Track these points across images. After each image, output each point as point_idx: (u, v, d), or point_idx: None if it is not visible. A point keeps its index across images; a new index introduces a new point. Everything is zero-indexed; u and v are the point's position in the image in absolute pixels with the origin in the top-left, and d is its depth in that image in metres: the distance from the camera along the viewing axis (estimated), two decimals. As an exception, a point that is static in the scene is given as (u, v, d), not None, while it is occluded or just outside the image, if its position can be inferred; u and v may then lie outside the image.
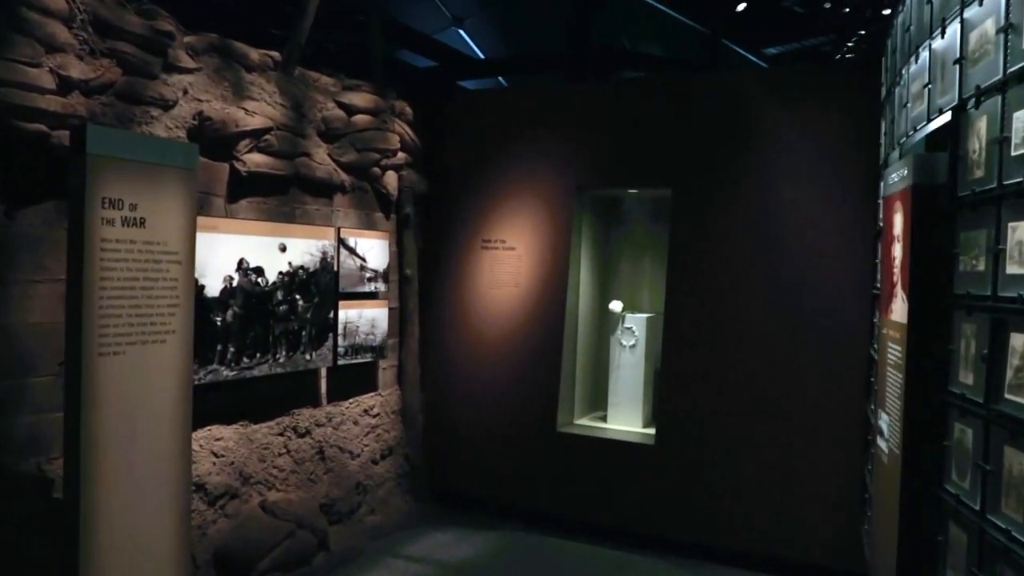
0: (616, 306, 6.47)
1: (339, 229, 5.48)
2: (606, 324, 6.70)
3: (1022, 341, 2.28)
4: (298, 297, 5.12)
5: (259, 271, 4.82)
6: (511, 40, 11.62)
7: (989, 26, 2.54)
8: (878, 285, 4.35)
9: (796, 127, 5.34)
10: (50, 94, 3.66)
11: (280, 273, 4.97)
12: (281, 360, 5.00)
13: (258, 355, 4.82)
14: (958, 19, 2.81)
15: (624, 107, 5.96)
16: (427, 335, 6.48)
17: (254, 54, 4.95)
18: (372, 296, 5.84)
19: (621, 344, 6.41)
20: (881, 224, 4.07)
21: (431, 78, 9.81)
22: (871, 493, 4.10)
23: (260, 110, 4.85)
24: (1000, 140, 2.43)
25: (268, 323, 4.89)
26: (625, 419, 6.35)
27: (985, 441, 2.45)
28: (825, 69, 6.48)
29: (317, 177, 5.31)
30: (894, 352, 3.31)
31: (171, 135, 4.35)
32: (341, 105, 5.58)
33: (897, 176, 3.38)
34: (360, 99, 5.72)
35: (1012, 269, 2.33)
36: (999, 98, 2.46)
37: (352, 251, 5.59)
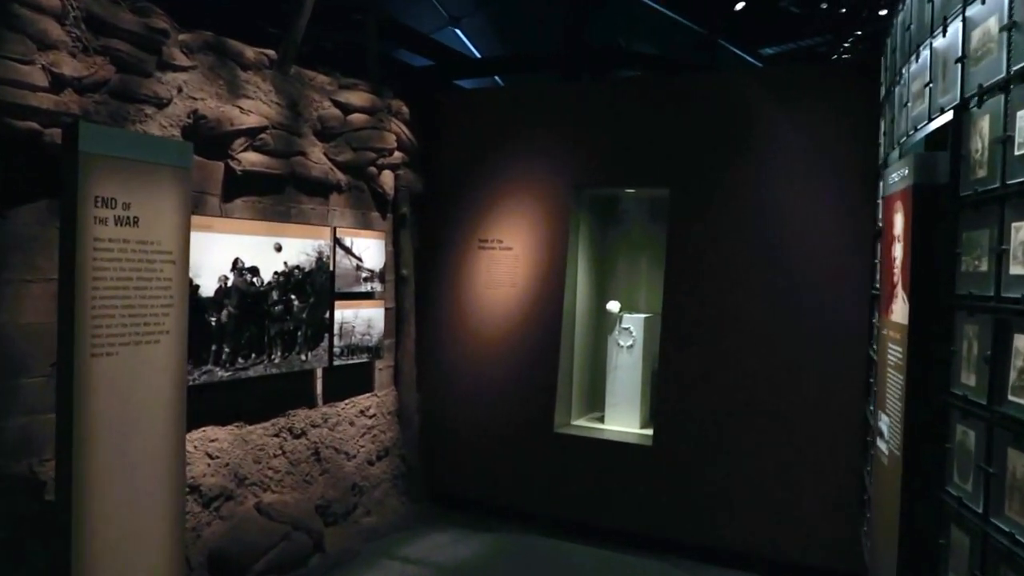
0: (614, 306, 6.45)
1: (335, 229, 5.45)
2: (603, 324, 6.68)
3: (1026, 342, 2.26)
4: (294, 297, 5.08)
5: (254, 271, 4.78)
6: (507, 40, 11.60)
7: (992, 24, 2.52)
8: (877, 285, 4.33)
9: (794, 127, 5.32)
10: (42, 92, 3.61)
11: (275, 273, 4.94)
12: (276, 360, 4.97)
13: (253, 355, 4.79)
14: (960, 17, 2.79)
15: (622, 106, 5.94)
16: (424, 335, 6.45)
17: (250, 52, 4.91)
18: (368, 296, 5.80)
19: (619, 344, 6.38)
20: (880, 224, 4.05)
21: (428, 77, 9.78)
22: (870, 494, 4.08)
23: (255, 108, 4.81)
24: (1003, 139, 2.40)
25: (263, 323, 4.85)
26: (623, 420, 6.33)
27: (988, 443, 2.43)
28: (823, 69, 6.46)
29: (313, 176, 5.27)
30: (894, 353, 3.29)
31: (165, 133, 4.31)
32: (337, 104, 5.55)
33: (897, 176, 3.36)
34: (356, 98, 5.69)
35: (1016, 270, 2.31)
36: (1002, 97, 2.44)
37: (348, 251, 5.55)
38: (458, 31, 11.28)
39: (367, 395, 5.97)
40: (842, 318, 5.05)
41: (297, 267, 5.10)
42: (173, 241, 3.61)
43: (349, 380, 5.76)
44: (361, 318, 5.69)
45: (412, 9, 10.21)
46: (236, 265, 4.65)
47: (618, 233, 7.03)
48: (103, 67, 3.95)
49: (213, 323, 4.51)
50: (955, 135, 2.79)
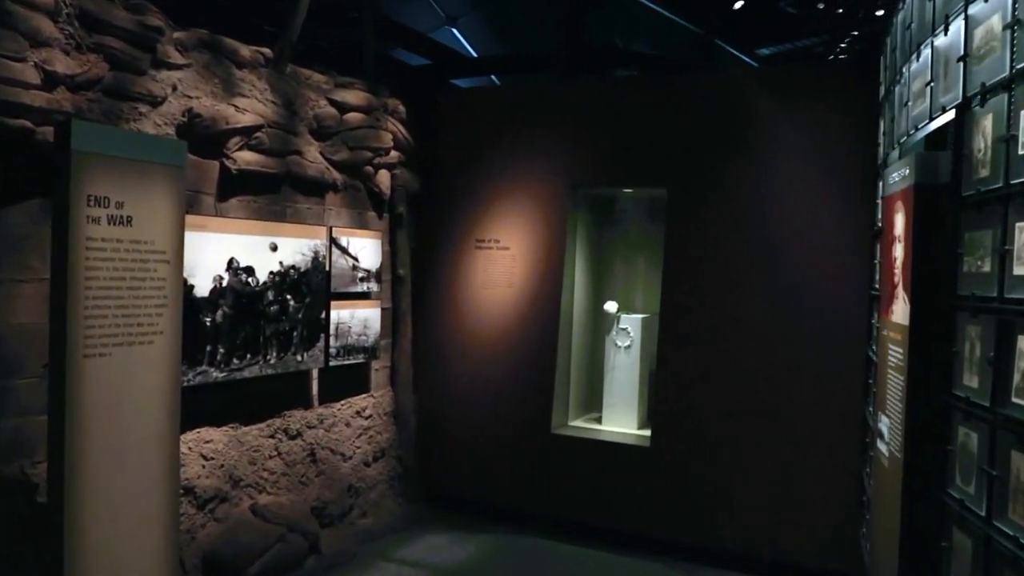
0: (611, 307, 6.42)
1: (331, 228, 5.41)
2: (601, 325, 6.65)
3: (1030, 344, 2.23)
4: (289, 297, 5.05)
5: (249, 271, 4.75)
6: (504, 39, 11.58)
7: (995, 22, 2.49)
8: (876, 286, 4.31)
9: (793, 127, 5.30)
10: (35, 89, 3.58)
11: (271, 273, 4.90)
12: (272, 361, 4.93)
13: (248, 356, 4.75)
14: (962, 16, 2.76)
15: (620, 106, 5.91)
16: (420, 336, 6.42)
17: (245, 50, 4.88)
18: (364, 296, 5.77)
19: (616, 345, 6.36)
20: (880, 224, 4.03)
21: (424, 76, 9.74)
22: (870, 495, 4.06)
23: (251, 107, 4.77)
24: (1007, 138, 2.38)
25: (259, 323, 4.82)
26: (620, 421, 6.30)
27: (991, 445, 2.40)
28: (822, 68, 6.44)
29: (309, 176, 5.24)
30: (895, 354, 3.27)
31: (160, 132, 4.27)
32: (333, 103, 5.51)
33: (898, 175, 3.34)
34: (353, 97, 5.65)
35: (1020, 270, 2.28)
36: (1005, 96, 2.41)
37: (344, 251, 5.52)
38: (455, 31, 11.25)
39: (363, 396, 5.94)
40: (841, 318, 5.03)
41: (293, 267, 5.06)
42: (167, 241, 3.57)
43: (345, 381, 5.72)
44: (357, 318, 5.66)
45: (408, 8, 10.18)
46: (231, 265, 4.62)
47: (616, 233, 7.00)
48: (96, 65, 3.91)
49: (208, 323, 4.48)
50: (957, 134, 2.77)
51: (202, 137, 4.47)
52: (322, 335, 5.33)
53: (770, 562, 5.15)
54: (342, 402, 5.70)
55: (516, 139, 6.24)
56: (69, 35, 3.78)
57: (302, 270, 5.14)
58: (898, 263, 3.27)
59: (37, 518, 3.57)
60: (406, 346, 6.28)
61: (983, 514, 2.43)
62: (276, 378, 5.02)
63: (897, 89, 3.83)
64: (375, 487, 5.87)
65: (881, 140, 4.55)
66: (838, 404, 5.01)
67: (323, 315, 5.34)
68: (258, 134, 4.80)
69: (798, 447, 5.11)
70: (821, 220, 5.17)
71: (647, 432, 5.89)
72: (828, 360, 5.06)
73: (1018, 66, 2.35)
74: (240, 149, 4.72)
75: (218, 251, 4.52)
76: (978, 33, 2.63)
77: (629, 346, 6.31)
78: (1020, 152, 2.31)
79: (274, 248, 4.92)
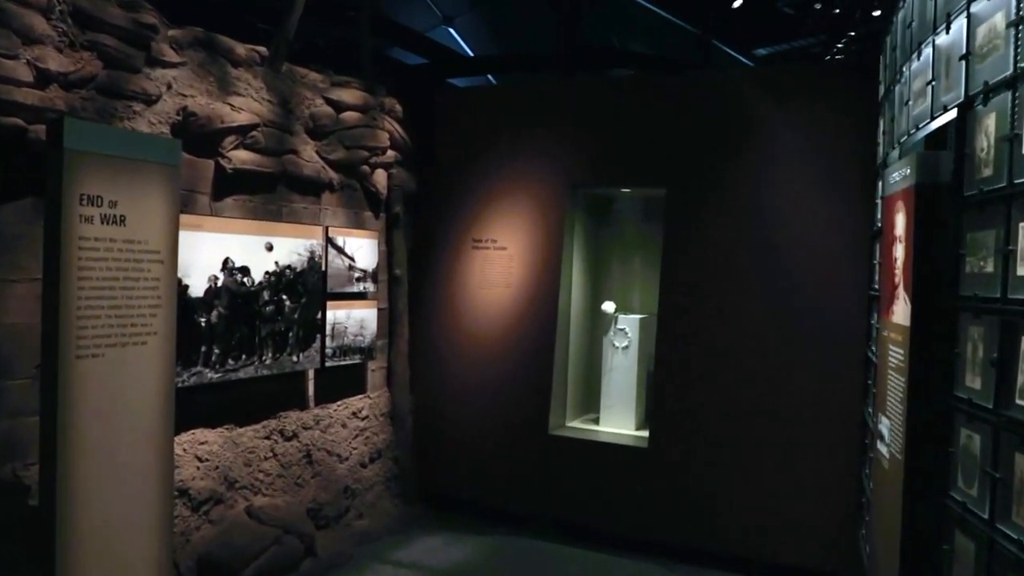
0: (609, 307, 6.40)
1: (327, 228, 5.38)
2: (598, 325, 6.63)
3: (1034, 345, 2.21)
4: (285, 297, 5.01)
5: (245, 271, 4.71)
6: (501, 39, 11.55)
7: (999, 20, 2.47)
8: (876, 286, 4.29)
9: (792, 126, 5.28)
10: (27, 87, 3.54)
11: (266, 273, 4.87)
12: (267, 362, 4.89)
13: (244, 357, 4.71)
14: (964, 14, 2.74)
15: (618, 105, 5.89)
16: (417, 336, 6.38)
17: (240, 49, 4.84)
18: (361, 296, 5.74)
19: (614, 345, 6.33)
20: (879, 224, 4.01)
21: (421, 75, 9.71)
22: (870, 498, 4.04)
23: (246, 106, 4.74)
24: (1010, 138, 2.36)
25: (254, 324, 4.78)
26: (618, 422, 6.28)
27: (994, 448, 2.38)
28: (821, 68, 6.43)
29: (305, 175, 5.20)
30: (895, 355, 3.24)
31: (154, 131, 4.23)
32: (329, 102, 5.48)
33: (899, 175, 3.32)
34: (349, 96, 5.62)
35: (1023, 271, 2.26)
36: (1009, 94, 2.39)
37: (340, 250, 5.49)
38: (451, 30, 11.22)
39: (359, 396, 5.90)
40: (840, 318, 5.01)
41: (288, 267, 5.03)
42: (161, 240, 3.53)
43: (341, 381, 5.69)
44: (353, 319, 5.62)
45: (405, 8, 10.14)
46: (226, 265, 4.58)
47: (613, 233, 6.98)
48: (90, 62, 3.87)
49: (203, 324, 4.44)
50: (959, 134, 2.75)
51: (197, 136, 4.44)
52: (318, 335, 5.30)
53: (768, 564, 5.13)
54: (338, 403, 5.67)
55: (513, 139, 6.21)
56: (62, 32, 3.74)
57: (298, 270, 5.10)
58: (899, 263, 3.25)
59: (29, 520, 3.53)
60: (403, 347, 6.25)
61: (986, 517, 2.40)
62: (272, 379, 4.98)
63: (897, 88, 3.81)
64: (371, 488, 5.83)
65: (881, 140, 4.53)
66: (837, 405, 4.99)
67: (319, 315, 5.30)
68: (253, 133, 4.76)
69: (797, 448, 5.09)
70: (820, 220, 5.15)
71: (645, 433, 5.86)
72: (827, 360, 5.04)
73: (1022, 64, 2.32)
74: (235, 148, 4.69)
75: (213, 251, 4.49)
76: (981, 31, 2.61)
77: (627, 347, 6.28)
78: (1024, 151, 2.29)
79: (270, 248, 4.88)
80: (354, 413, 5.79)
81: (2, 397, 3.58)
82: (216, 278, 4.52)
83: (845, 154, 5.07)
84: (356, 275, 5.66)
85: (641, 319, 6.31)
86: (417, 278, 6.40)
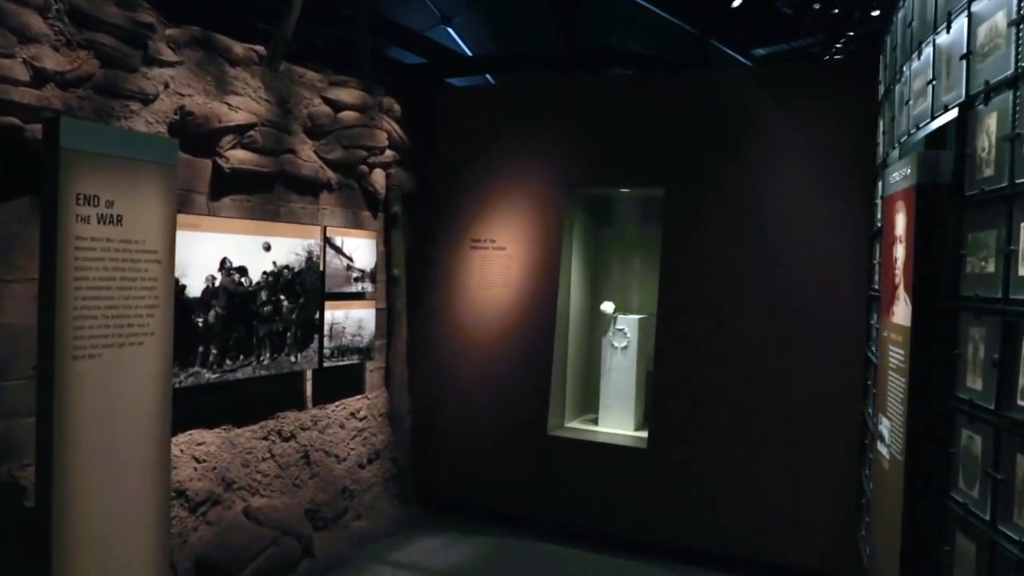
0: (608, 307, 6.39)
1: (325, 228, 5.36)
2: (597, 325, 6.61)
3: (1036, 345, 2.20)
4: (283, 297, 4.99)
5: (243, 271, 4.69)
6: (499, 38, 11.53)
7: (1000, 19, 2.46)
8: (876, 286, 4.28)
9: (791, 126, 5.27)
10: (23, 86, 3.52)
11: (264, 273, 4.85)
12: (265, 362, 4.88)
13: (241, 357, 4.70)
14: (965, 13, 2.73)
15: (617, 105, 5.88)
16: (415, 336, 6.36)
17: (238, 48, 4.82)
18: (359, 297, 5.72)
19: (613, 346, 6.32)
20: (879, 224, 4.00)
21: (419, 75, 9.69)
22: (870, 498, 4.03)
23: (244, 105, 4.72)
24: (1012, 137, 2.35)
25: (252, 324, 4.76)
26: (617, 422, 6.26)
27: (996, 449, 2.37)
28: (820, 68, 6.42)
29: (303, 175, 5.18)
30: (896, 355, 3.23)
31: (151, 130, 4.22)
32: (328, 101, 5.46)
33: (899, 175, 3.31)
34: (347, 95, 5.60)
35: (1025, 271, 2.25)
36: (1010, 94, 2.38)
37: (338, 250, 5.47)
38: (449, 30, 11.20)
39: (358, 397, 5.88)
40: (840, 319, 5.00)
41: (286, 267, 5.01)
42: (158, 240, 3.51)
43: (339, 382, 5.67)
44: (352, 319, 5.61)
45: (403, 7, 10.12)
46: (224, 265, 4.56)
47: (612, 233, 6.96)
48: (87, 61, 3.85)
49: (200, 324, 4.42)
50: (959, 133, 2.74)
51: (194, 135, 4.42)
52: (316, 336, 5.28)
53: (768, 564, 5.12)
54: (336, 403, 5.65)
55: (512, 138, 6.20)
56: (59, 31, 3.72)
57: (296, 270, 5.09)
58: (899, 263, 3.24)
59: (25, 522, 3.51)
60: (401, 347, 6.23)
61: (987, 518, 2.39)
62: (269, 379, 4.97)
63: (897, 88, 3.80)
64: (370, 489, 5.81)
65: (880, 139, 4.52)
66: (837, 405, 4.98)
67: (317, 316, 5.29)
68: (251, 132, 4.74)
69: (796, 448, 5.08)
70: (819, 220, 5.14)
71: (644, 434, 5.85)
72: (826, 361, 5.03)
73: (1023, 64, 2.31)
74: (233, 148, 4.67)
75: (211, 251, 4.47)
76: (982, 30, 2.60)
77: (626, 347, 6.27)
78: (1026, 151, 2.28)
79: (267, 248, 4.86)
80: (352, 414, 5.77)
81: (-2, 398, 3.56)
82: (214, 278, 4.50)
83: (845, 154, 5.06)
84: (354, 275, 5.64)
85: (640, 319, 6.30)
86: (415, 278, 6.39)
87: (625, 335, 6.28)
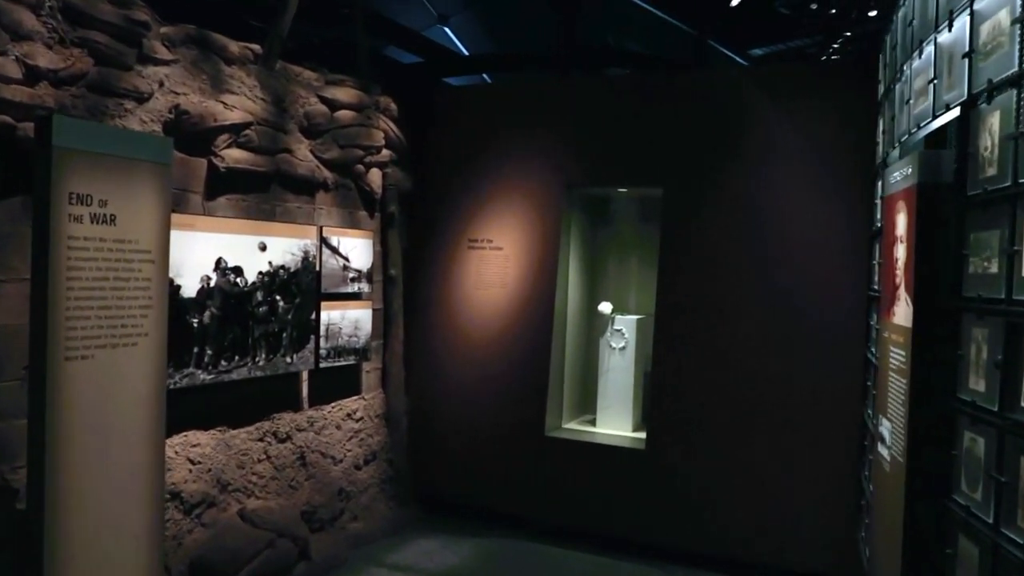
0: (606, 308, 6.36)
1: (321, 228, 5.33)
2: (595, 326, 6.59)
3: (1040, 347, 2.17)
4: (279, 298, 4.96)
5: (238, 271, 4.66)
6: (496, 38, 11.50)
7: (1003, 17, 2.43)
8: (875, 287, 4.26)
9: (790, 126, 5.25)
10: (16, 84, 3.48)
11: (260, 273, 4.81)
12: (261, 363, 4.84)
13: (237, 358, 4.66)
14: (967, 11, 2.70)
15: (615, 104, 5.85)
16: (412, 337, 6.33)
17: (234, 46, 4.79)
18: (355, 297, 5.68)
19: (611, 346, 6.30)
20: (879, 224, 3.98)
21: (416, 74, 9.66)
22: (870, 500, 4.00)
23: (240, 104, 4.68)
24: (1015, 136, 2.32)
25: (247, 324, 4.73)
26: (615, 423, 6.24)
27: (999, 451, 2.34)
28: (819, 68, 6.41)
29: (299, 174, 5.15)
30: (897, 356, 3.21)
31: (146, 129, 4.18)
32: (324, 100, 5.43)
33: (900, 175, 3.28)
34: (343, 94, 5.57)
35: (1029, 271, 2.22)
36: (1014, 92, 2.35)
37: (335, 250, 5.43)
38: (446, 30, 11.17)
39: (354, 398, 5.85)
40: (839, 319, 4.98)
41: (282, 267, 4.97)
42: (152, 240, 3.48)
43: (335, 383, 5.64)
44: (348, 319, 5.57)
45: (400, 7, 10.08)
46: (219, 265, 4.53)
47: (610, 233, 6.94)
48: (80, 59, 3.81)
49: (195, 324, 4.39)
50: (962, 132, 2.71)
51: (189, 134, 4.38)
52: (312, 336, 5.25)
53: (767, 566, 5.10)
54: (332, 404, 5.61)
55: (509, 138, 6.17)
56: (52, 29, 3.68)
57: (292, 270, 5.05)
58: (900, 264, 3.21)
59: (17, 524, 3.47)
60: (398, 347, 6.20)
61: (990, 521, 2.37)
62: (265, 380, 4.93)
63: (898, 87, 3.77)
64: (366, 491, 5.78)
65: (880, 139, 4.50)
66: (836, 406, 4.96)
67: (313, 316, 5.25)
68: (247, 132, 4.71)
69: (795, 449, 5.06)
70: (818, 220, 5.12)
71: (642, 435, 5.83)
72: (826, 361, 5.01)
73: (1027, 62, 2.29)
74: (228, 147, 4.63)
75: (206, 250, 4.43)
76: (984, 28, 2.58)
77: (624, 347, 6.25)
78: (1029, 150, 2.25)
79: (263, 248, 4.83)
80: (348, 415, 5.74)
81: (-10, 399, 3.52)
82: (209, 278, 4.47)
83: (844, 154, 5.04)
84: (351, 275, 5.61)
85: (638, 320, 6.28)
86: (412, 278, 6.35)
87: (623, 335, 6.25)
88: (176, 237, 3.92)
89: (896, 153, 3.74)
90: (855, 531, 4.71)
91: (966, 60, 2.69)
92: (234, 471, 4.73)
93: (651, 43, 11.21)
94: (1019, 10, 2.33)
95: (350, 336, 5.60)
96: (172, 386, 4.11)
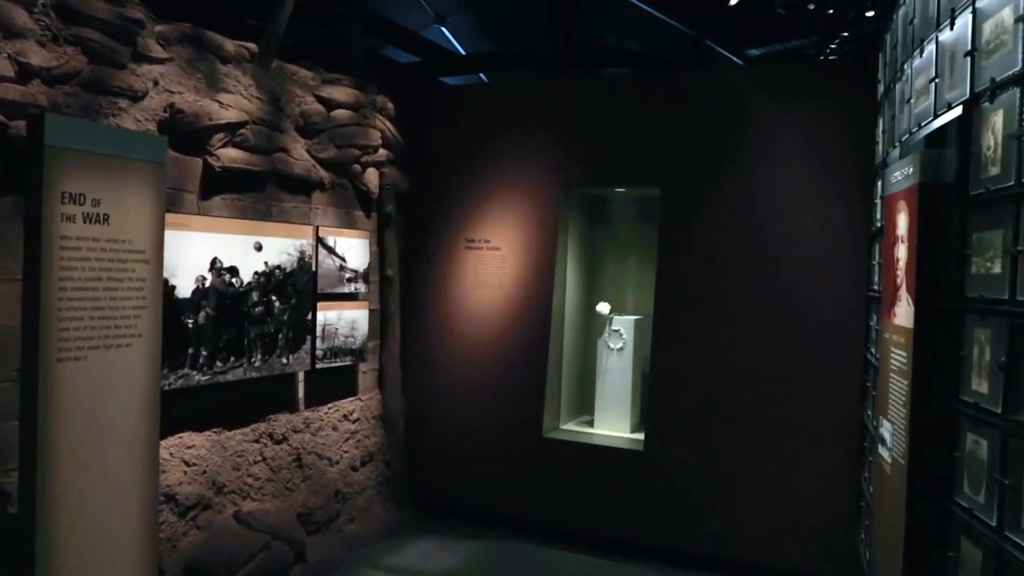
0: (604, 308, 6.33)
1: (317, 228, 5.29)
2: (593, 326, 6.56)
3: (1045, 348, 2.15)
4: (274, 298, 4.92)
5: (233, 271, 4.62)
6: (493, 38, 11.47)
7: (1006, 15, 2.41)
8: (875, 287, 4.24)
9: (789, 126, 5.23)
10: (8, 82, 3.44)
11: (255, 273, 4.78)
12: (256, 364, 4.80)
13: (232, 359, 4.62)
14: (970, 9, 2.68)
15: (613, 104, 5.83)
16: (409, 338, 6.30)
17: (229, 45, 4.75)
18: (352, 297, 5.65)
19: (608, 347, 6.27)
20: (879, 224, 3.96)
21: (413, 73, 9.63)
22: (870, 502, 3.98)
23: (235, 103, 4.65)
24: (1019, 135, 2.30)
25: (243, 325, 4.69)
26: (613, 424, 6.21)
27: (1003, 453, 2.32)
28: (818, 67, 6.39)
29: (295, 173, 5.11)
30: (898, 357, 3.19)
31: (140, 128, 4.14)
32: (320, 99, 5.39)
33: (901, 174, 3.26)
34: (340, 93, 5.53)
35: (1033, 272, 2.20)
36: (1017, 91, 2.33)
37: (331, 251, 5.40)
38: (444, 29, 11.14)
39: (350, 399, 5.81)
40: (839, 319, 4.96)
41: (278, 267, 4.94)
42: (146, 240, 3.44)
43: (332, 384, 5.60)
44: (344, 320, 5.54)
45: (397, 7, 10.05)
46: (214, 265, 4.49)
47: (608, 233, 6.91)
48: (74, 57, 3.77)
49: (190, 325, 4.35)
50: (964, 132, 2.69)
51: (184, 133, 4.35)
52: (308, 337, 5.21)
53: (766, 568, 5.07)
54: (329, 405, 5.58)
55: (507, 137, 6.14)
56: (45, 26, 3.64)
57: (288, 270, 5.02)
58: (901, 264, 3.19)
59: (9, 528, 3.43)
60: (394, 348, 6.16)
61: (994, 524, 2.35)
62: (261, 381, 4.89)
63: (898, 86, 3.75)
64: (363, 492, 5.74)
65: (880, 139, 4.48)
66: (835, 407, 4.94)
67: (309, 316, 5.22)
68: (242, 131, 4.67)
69: (794, 451, 5.04)
70: (817, 219, 5.10)
71: (640, 436, 5.80)
72: (825, 362, 4.99)
73: (1031, 60, 2.27)
74: (224, 146, 4.59)
75: (201, 251, 4.40)
76: (987, 27, 2.55)
77: (622, 348, 6.22)
78: (1033, 149, 2.23)
79: (259, 248, 4.79)
80: (345, 416, 5.70)
81: (-18, 401, 3.48)
82: (204, 278, 4.43)
83: (843, 153, 5.02)
84: (347, 276, 5.57)
85: (636, 320, 6.26)
86: (409, 279, 6.32)
87: (621, 336, 6.23)
88: (171, 237, 3.88)
89: (896, 153, 3.72)
90: (855, 533, 4.69)
91: (968, 59, 2.67)
92: (229, 473, 4.69)
93: (649, 43, 11.19)
94: (1023, 8, 2.31)
95: (346, 337, 5.57)
96: (167, 387, 4.07)
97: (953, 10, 2.85)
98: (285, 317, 5.00)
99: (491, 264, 6.13)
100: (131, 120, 4.11)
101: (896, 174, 3.36)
